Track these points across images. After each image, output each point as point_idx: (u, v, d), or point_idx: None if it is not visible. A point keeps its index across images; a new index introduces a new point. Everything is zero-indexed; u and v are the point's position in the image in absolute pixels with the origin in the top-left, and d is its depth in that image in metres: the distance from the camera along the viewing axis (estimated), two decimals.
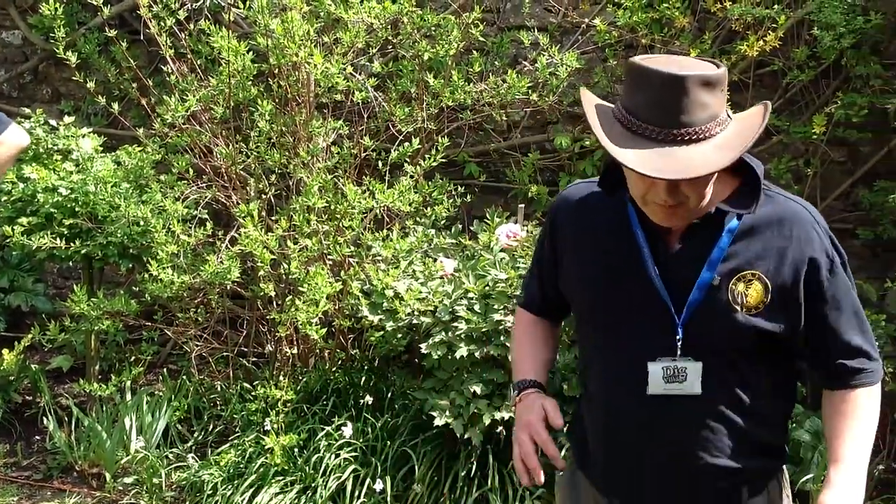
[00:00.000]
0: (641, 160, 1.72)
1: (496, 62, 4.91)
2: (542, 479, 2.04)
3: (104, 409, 4.60)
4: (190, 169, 4.58)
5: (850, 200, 4.72)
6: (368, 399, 4.25)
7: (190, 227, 4.43)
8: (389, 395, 4.34)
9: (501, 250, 4.23)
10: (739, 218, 1.89)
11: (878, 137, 4.57)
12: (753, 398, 1.94)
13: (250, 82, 4.45)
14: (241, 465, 4.21)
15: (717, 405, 1.92)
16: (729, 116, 1.79)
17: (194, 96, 4.42)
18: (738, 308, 1.87)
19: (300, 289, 4.21)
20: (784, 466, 2.08)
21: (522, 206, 4.55)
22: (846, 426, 1.91)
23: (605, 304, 2.00)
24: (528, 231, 4.30)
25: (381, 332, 4.19)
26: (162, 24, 4.44)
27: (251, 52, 4.38)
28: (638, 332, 1.95)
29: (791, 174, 4.64)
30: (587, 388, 2.14)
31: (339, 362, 4.62)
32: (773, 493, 2.03)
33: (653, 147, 1.73)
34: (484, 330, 3.97)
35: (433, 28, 4.52)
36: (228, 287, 4.49)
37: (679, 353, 1.90)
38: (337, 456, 4.09)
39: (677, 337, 1.89)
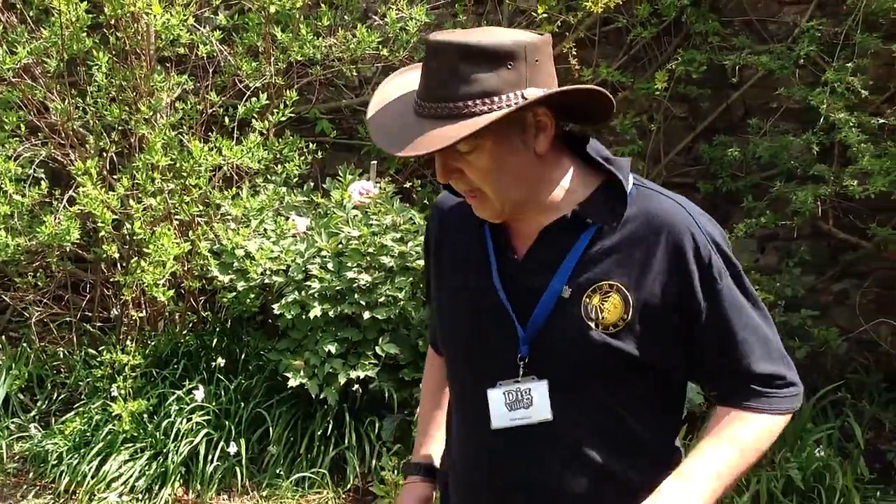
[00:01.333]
0: (384, 130, 1.56)
1: (345, 16, 4.81)
2: None
3: None
4: (23, 125, 4.34)
5: (691, 155, 4.88)
6: (221, 361, 4.18)
7: (24, 187, 4.22)
8: (243, 356, 4.27)
9: (354, 207, 4.21)
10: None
11: (717, 93, 4.73)
12: (620, 425, 1.63)
13: (85, 34, 4.24)
14: (88, 434, 4.08)
15: (577, 432, 1.62)
16: (524, 98, 1.51)
17: (25, 48, 4.18)
18: (593, 325, 1.58)
19: (145, 250, 4.08)
20: None
21: (375, 162, 4.52)
22: (708, 443, 1.63)
23: (454, 320, 1.74)
24: (380, 188, 4.28)
25: (234, 293, 4.12)
26: None
27: (85, 2, 4.16)
28: (483, 352, 1.68)
29: (636, 130, 4.76)
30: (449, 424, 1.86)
31: (190, 325, 4.51)
32: None
33: (411, 122, 1.53)
34: (338, 288, 3.94)
35: None
36: (69, 249, 4.32)
37: (522, 373, 1.62)
38: (189, 420, 4.02)
39: (520, 356, 1.62)
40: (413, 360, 3.95)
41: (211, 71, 4.51)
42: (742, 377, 1.63)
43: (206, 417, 4.04)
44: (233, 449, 3.95)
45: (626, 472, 1.64)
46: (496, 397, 1.63)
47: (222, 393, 4.11)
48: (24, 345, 4.67)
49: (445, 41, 1.52)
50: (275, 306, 3.98)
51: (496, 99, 1.50)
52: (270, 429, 4.02)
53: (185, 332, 4.46)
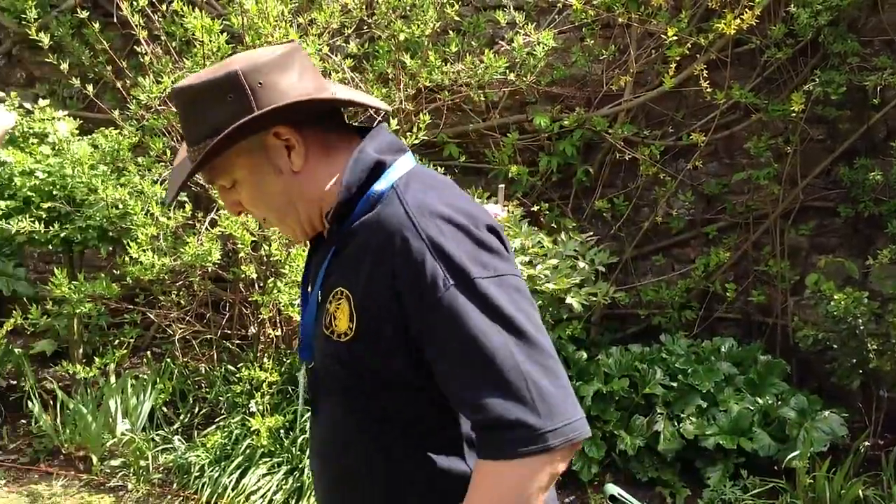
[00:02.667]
0: (171, 178, 1.63)
1: (473, 42, 4.89)
2: None
3: (89, 392, 4.59)
4: (167, 151, 4.55)
5: (830, 178, 4.75)
6: None
7: (169, 210, 4.42)
8: None
9: None
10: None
11: (857, 115, 4.60)
12: (379, 440, 1.55)
13: None
14: (228, 447, 4.22)
15: (345, 458, 1.59)
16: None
17: (169, 78, 4.39)
18: (328, 332, 1.53)
19: (282, 270, 4.21)
20: None
21: (503, 186, 4.54)
22: None
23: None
24: (508, 211, 4.31)
25: None
26: (134, 5, 4.39)
27: (225, 33, 4.34)
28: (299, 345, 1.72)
29: (771, 152, 4.67)
30: None
31: None
32: None
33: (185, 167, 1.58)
34: None
35: (409, 8, 4.51)
36: (210, 269, 4.48)
37: (309, 373, 1.66)
38: None
39: (300, 357, 1.68)
40: None
41: None
42: (468, 412, 1.42)
43: None
44: None
45: (392, 490, 1.52)
46: (302, 380, 1.67)
47: None
48: (168, 360, 4.87)
49: (176, 87, 1.53)
50: None
51: (222, 133, 1.49)
52: None
53: None
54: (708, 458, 4.21)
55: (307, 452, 1.71)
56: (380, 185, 1.53)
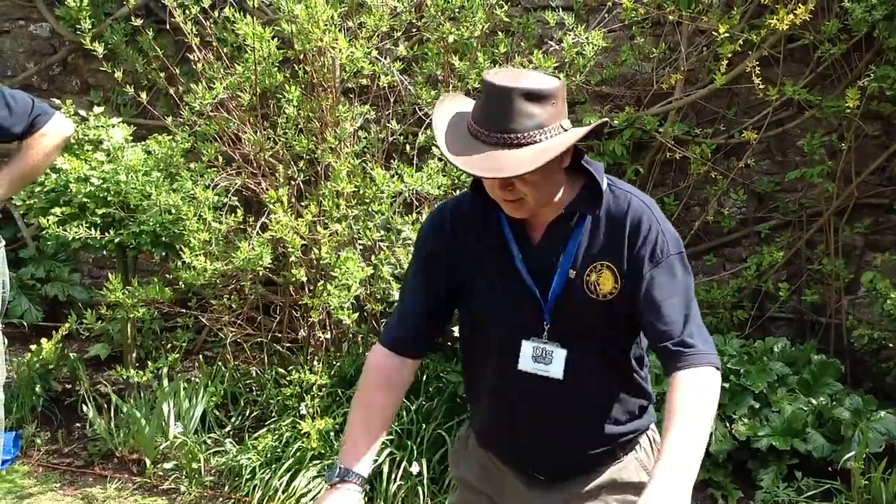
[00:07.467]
0: (464, 159, 1.93)
1: (522, 43, 4.87)
2: None
3: (142, 396, 4.65)
4: (219, 156, 4.59)
5: (885, 174, 4.65)
6: None
7: (221, 215, 4.46)
8: (424, 378, 4.35)
9: None
10: (585, 216, 2.09)
11: None
12: (617, 378, 2.16)
13: (276, 68, 4.45)
14: (279, 450, 4.25)
15: (581, 391, 2.12)
16: (563, 128, 1.96)
17: (221, 84, 4.42)
18: (593, 296, 2.06)
19: (331, 274, 4.23)
20: (651, 423, 2.28)
21: None
22: (673, 417, 1.89)
23: (493, 297, 2.15)
24: None
25: None
26: (187, 12, 4.45)
27: (276, 39, 4.38)
28: (517, 318, 2.12)
29: (825, 149, 4.59)
30: (474, 389, 2.32)
31: (372, 346, 4.63)
32: (640, 451, 2.24)
33: (480, 149, 1.92)
34: None
35: (457, 10, 4.50)
36: (261, 273, 4.51)
37: (546, 336, 2.10)
38: None
39: (545, 322, 2.10)
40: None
41: (392, 100, 4.64)
42: (665, 334, 1.99)
43: (388, 437, 4.14)
44: (415, 469, 4.03)
45: (617, 406, 2.15)
46: (526, 348, 2.11)
47: (404, 414, 4.20)
48: (220, 364, 4.91)
49: (511, 86, 1.91)
50: (454, 329, 4.04)
51: (547, 129, 1.93)
52: (450, 450, 4.07)
53: (367, 353, 4.58)
54: (761, 459, 4.15)
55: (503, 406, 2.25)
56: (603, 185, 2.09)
